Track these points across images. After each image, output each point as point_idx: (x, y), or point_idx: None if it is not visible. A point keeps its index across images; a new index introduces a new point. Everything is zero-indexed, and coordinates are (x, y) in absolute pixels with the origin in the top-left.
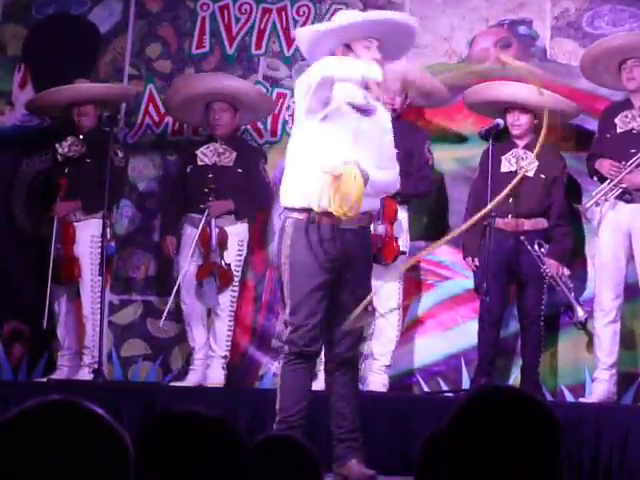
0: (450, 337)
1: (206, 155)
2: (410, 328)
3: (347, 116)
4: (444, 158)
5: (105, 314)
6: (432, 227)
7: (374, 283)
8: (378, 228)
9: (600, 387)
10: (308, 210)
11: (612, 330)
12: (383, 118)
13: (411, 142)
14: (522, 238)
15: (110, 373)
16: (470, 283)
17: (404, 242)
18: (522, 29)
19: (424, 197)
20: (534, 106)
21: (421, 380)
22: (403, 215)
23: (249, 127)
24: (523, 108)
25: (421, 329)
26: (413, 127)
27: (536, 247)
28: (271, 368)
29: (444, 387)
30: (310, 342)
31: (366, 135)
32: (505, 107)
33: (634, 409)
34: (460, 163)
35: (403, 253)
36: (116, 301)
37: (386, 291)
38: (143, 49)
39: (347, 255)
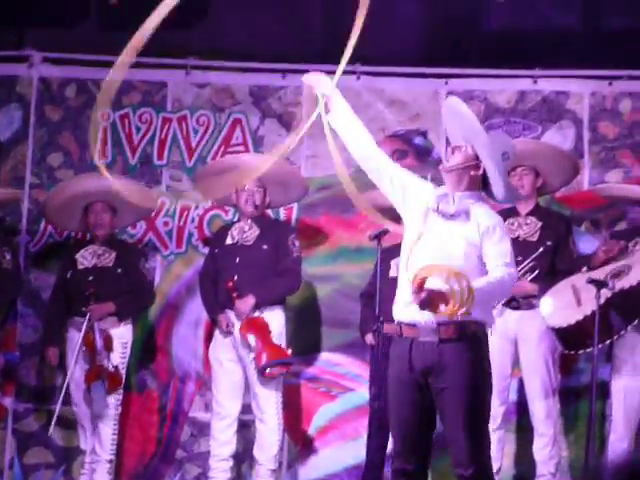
0: (353, 448)
1: (86, 258)
2: (314, 439)
3: None
4: (340, 272)
5: (9, 422)
6: (308, 340)
7: (253, 387)
8: (248, 337)
9: None
10: None
11: (497, 437)
12: None
13: (274, 236)
14: None
15: None
16: None
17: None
18: (418, 139)
19: (294, 293)
20: None
21: None
22: (279, 317)
23: (153, 237)
24: None
25: (324, 440)
26: (276, 221)
27: None
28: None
29: None
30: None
31: None
32: None
33: None
34: (355, 277)
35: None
36: (21, 409)
37: (264, 395)
38: (44, 158)
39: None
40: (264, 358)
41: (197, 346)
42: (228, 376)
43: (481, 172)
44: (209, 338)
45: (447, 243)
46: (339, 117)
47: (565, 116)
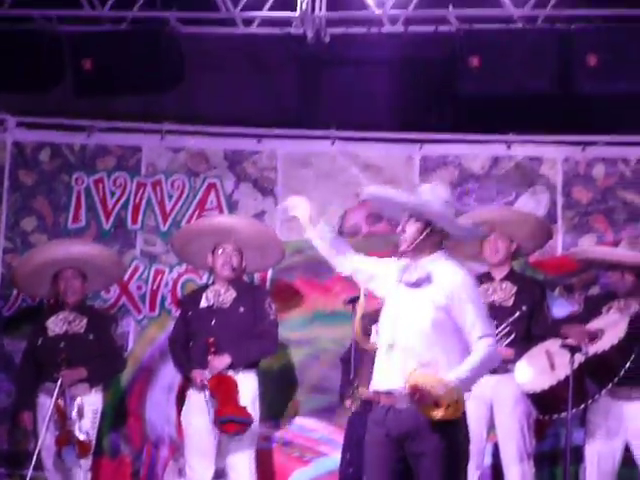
0: None
1: (57, 325)
2: None
3: None
4: (315, 336)
5: None
6: (282, 404)
7: (226, 449)
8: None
9: None
10: None
11: None
12: None
13: (250, 299)
14: None
15: None
16: None
17: (253, 407)
18: None
19: (271, 356)
20: None
21: None
22: (252, 381)
23: (126, 301)
24: None
25: None
26: (252, 284)
27: None
28: None
29: None
30: None
31: None
32: None
33: None
34: (330, 342)
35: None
36: None
37: (237, 457)
38: (18, 222)
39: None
40: (222, 412)
41: (170, 411)
42: (200, 440)
43: (439, 233)
44: (182, 402)
45: (412, 312)
46: (317, 234)
47: (539, 181)
